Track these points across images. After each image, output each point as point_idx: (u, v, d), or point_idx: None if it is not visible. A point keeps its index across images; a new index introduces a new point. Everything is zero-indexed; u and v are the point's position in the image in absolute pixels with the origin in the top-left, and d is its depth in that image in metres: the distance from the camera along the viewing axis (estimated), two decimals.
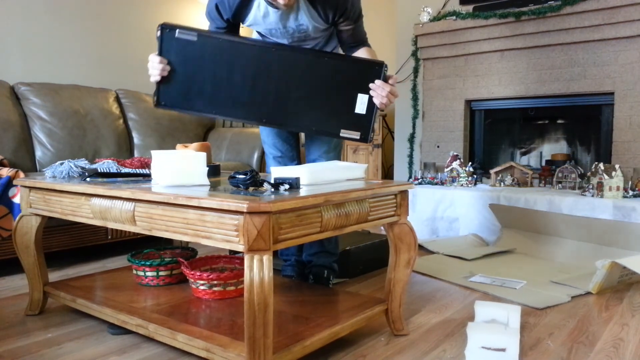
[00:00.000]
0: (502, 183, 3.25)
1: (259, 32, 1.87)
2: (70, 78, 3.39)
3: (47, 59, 3.29)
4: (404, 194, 1.57)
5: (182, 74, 1.54)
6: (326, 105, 1.54)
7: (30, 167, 2.84)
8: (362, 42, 1.84)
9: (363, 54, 1.79)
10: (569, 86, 3.28)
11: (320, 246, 2.06)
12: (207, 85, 1.53)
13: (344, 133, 1.54)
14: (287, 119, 1.54)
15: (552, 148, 3.68)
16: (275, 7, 1.62)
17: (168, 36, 1.53)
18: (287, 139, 2.03)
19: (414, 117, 3.99)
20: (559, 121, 3.65)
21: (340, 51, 1.90)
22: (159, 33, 1.53)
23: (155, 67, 1.57)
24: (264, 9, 1.68)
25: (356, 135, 1.54)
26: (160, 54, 1.56)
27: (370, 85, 1.58)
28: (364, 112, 1.55)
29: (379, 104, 1.58)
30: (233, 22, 1.76)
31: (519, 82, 3.46)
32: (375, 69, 1.56)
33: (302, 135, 2.19)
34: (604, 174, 2.68)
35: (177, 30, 1.53)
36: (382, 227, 1.87)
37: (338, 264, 2.16)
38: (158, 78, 1.57)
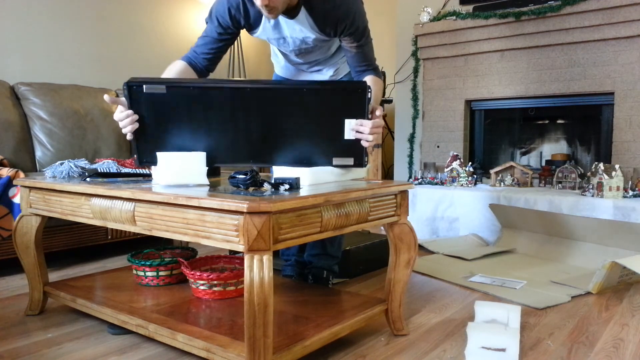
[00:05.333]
0: (502, 183, 3.25)
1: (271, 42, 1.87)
2: (70, 78, 3.39)
3: (47, 59, 3.29)
4: (404, 194, 1.57)
5: (157, 128, 1.47)
6: (314, 135, 1.48)
7: (30, 167, 2.84)
8: (368, 67, 1.77)
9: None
10: (569, 86, 3.28)
11: (322, 248, 2.06)
12: (186, 135, 1.47)
13: (336, 161, 1.48)
14: (274, 155, 1.48)
15: (552, 148, 3.68)
16: (262, 13, 1.59)
17: (135, 92, 1.45)
18: None
19: (414, 117, 3.99)
20: (559, 121, 3.65)
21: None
22: (125, 91, 1.45)
23: (125, 124, 1.46)
24: (273, 20, 1.68)
25: (349, 161, 1.48)
26: (130, 109, 1.47)
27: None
28: (353, 137, 1.48)
29: (367, 145, 1.48)
30: (240, 29, 1.74)
31: (519, 82, 3.46)
32: (358, 92, 1.46)
33: None
34: (604, 174, 2.67)
35: (145, 86, 1.45)
36: (382, 227, 1.87)
37: (339, 266, 2.16)
38: (130, 135, 1.47)
